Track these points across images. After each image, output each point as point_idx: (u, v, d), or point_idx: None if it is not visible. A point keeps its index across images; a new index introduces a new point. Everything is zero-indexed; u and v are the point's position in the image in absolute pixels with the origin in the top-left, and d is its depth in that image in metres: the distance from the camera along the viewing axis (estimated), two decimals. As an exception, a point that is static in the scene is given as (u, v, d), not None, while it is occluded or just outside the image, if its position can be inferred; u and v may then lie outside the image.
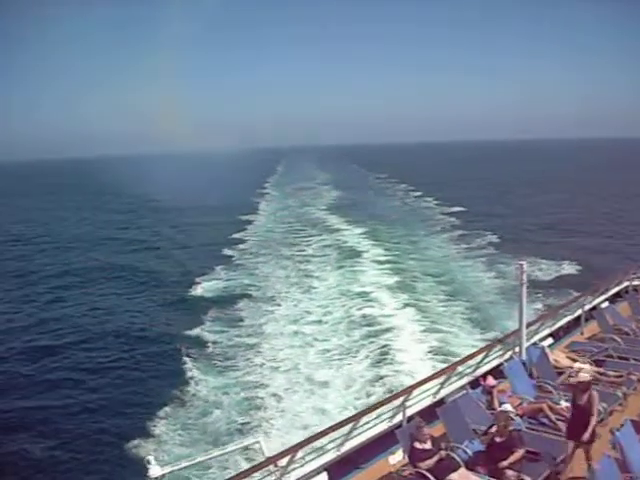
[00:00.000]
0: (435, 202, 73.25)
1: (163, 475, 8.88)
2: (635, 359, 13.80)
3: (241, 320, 28.96)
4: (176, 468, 9.81)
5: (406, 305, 29.41)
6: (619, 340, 14.99)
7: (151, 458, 8.84)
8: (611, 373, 12.93)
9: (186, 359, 24.43)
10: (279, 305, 30.92)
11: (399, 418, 11.04)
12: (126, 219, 75.60)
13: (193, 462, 10.28)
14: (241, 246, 49.62)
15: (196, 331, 27.81)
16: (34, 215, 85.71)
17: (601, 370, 13.12)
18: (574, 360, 13.66)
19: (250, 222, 63.56)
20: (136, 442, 18.42)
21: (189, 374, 22.92)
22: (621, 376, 12.71)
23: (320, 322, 28.02)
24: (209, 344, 25.98)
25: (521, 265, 12.83)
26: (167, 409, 20.54)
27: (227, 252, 46.82)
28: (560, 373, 12.98)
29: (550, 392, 11.94)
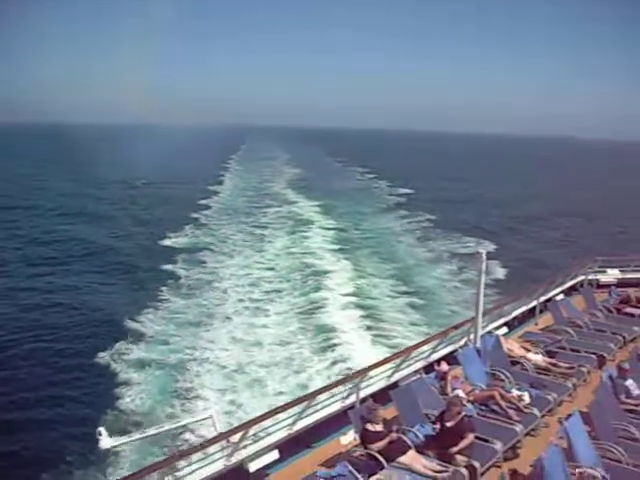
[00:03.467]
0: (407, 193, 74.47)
1: (113, 447, 8.76)
2: (587, 352, 14.02)
3: (204, 263, 36.10)
4: (127, 440, 9.67)
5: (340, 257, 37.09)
6: (572, 332, 15.23)
7: (102, 429, 8.70)
8: (562, 364, 13.11)
9: (158, 292, 29.95)
10: (232, 256, 38.06)
11: (352, 399, 11.03)
12: (95, 190, 73.44)
13: (144, 435, 10.15)
14: (206, 212, 55.96)
15: (167, 268, 34.91)
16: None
17: (553, 361, 13.31)
18: (527, 350, 13.87)
19: (215, 192, 69.85)
20: (86, 412, 18.23)
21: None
22: (572, 368, 12.89)
23: (267, 269, 34.73)
24: (179, 278, 32.60)
25: (481, 254, 12.86)
26: (120, 375, 20.57)
27: (194, 215, 53.29)
28: (513, 362, 13.15)
29: (502, 380, 12.06)
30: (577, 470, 8.46)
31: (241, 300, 28.70)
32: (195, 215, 53.31)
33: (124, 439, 9.44)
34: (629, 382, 11.74)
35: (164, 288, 30.33)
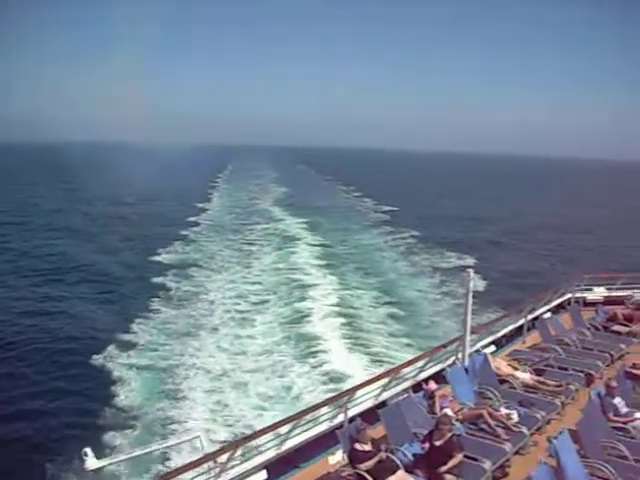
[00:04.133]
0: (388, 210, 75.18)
1: (100, 468, 8.66)
2: (574, 369, 14.04)
3: (192, 277, 37.02)
4: (114, 461, 9.59)
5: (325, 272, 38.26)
6: (560, 350, 15.26)
7: (88, 450, 8.60)
8: (550, 382, 13.10)
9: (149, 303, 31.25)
10: (220, 272, 38.93)
11: (340, 418, 10.98)
12: (87, 207, 74.04)
13: (131, 455, 10.07)
14: (195, 228, 57.26)
15: (157, 281, 35.87)
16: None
17: (541, 379, 13.29)
18: (515, 368, 13.84)
19: (204, 210, 71.47)
20: (72, 432, 18.04)
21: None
22: (560, 386, 12.90)
23: (253, 283, 35.81)
24: (169, 291, 33.75)
25: (468, 272, 12.88)
26: (108, 395, 20.55)
27: (183, 232, 54.20)
28: (501, 380, 13.14)
29: (490, 399, 12.05)
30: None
31: (228, 311, 30.02)
32: (184, 232, 54.34)
33: (111, 460, 9.35)
34: (617, 400, 11.75)
35: (154, 301, 31.45)
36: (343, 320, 28.19)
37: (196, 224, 59.91)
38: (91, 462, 8.54)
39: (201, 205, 74.87)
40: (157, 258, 43.46)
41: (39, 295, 33.92)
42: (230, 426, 18.54)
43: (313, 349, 24.59)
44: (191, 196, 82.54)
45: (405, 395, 11.84)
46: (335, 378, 21.51)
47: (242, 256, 44.16)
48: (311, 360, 23.50)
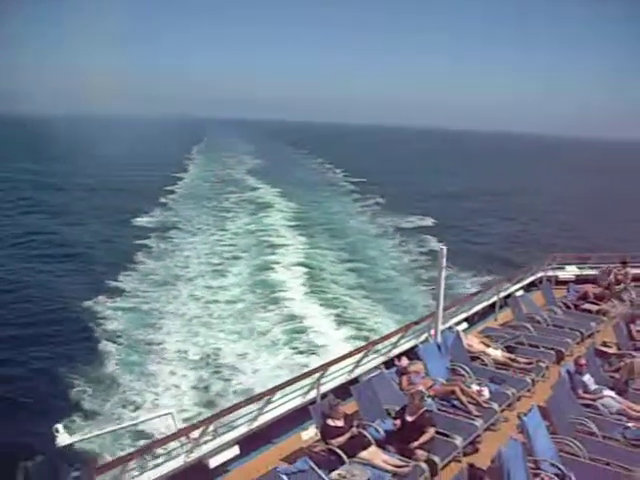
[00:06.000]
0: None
1: (71, 444, 8.55)
2: (545, 347, 14.20)
3: (171, 239, 40.33)
4: (85, 437, 9.48)
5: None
6: (531, 328, 15.41)
7: (59, 426, 8.47)
8: (521, 359, 13.27)
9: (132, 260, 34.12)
10: (196, 234, 42.32)
11: (313, 394, 10.98)
12: (65, 179, 73.96)
13: (103, 432, 9.99)
14: (172, 196, 60.25)
15: (138, 243, 38.47)
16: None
17: (512, 356, 13.45)
18: (487, 345, 13.95)
19: (180, 179, 74.38)
20: (43, 407, 17.83)
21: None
22: (531, 363, 13.06)
23: (228, 245, 38.72)
24: (149, 249, 37.19)
25: (441, 249, 12.86)
26: (80, 368, 20.31)
27: (162, 200, 56.96)
28: (473, 357, 13.25)
29: (462, 375, 12.14)
30: (536, 464, 8.57)
31: (203, 263, 33.79)
32: (162, 200, 57.01)
33: (82, 436, 9.26)
34: (586, 377, 11.91)
35: (135, 259, 34.33)
36: (308, 273, 31.61)
37: (172, 192, 62.35)
38: (62, 438, 8.40)
39: (177, 175, 77.06)
40: (139, 222, 46.31)
41: (29, 260, 35.71)
42: (200, 347, 21.83)
43: (277, 296, 27.70)
44: (168, 166, 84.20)
45: (377, 371, 11.86)
46: (296, 319, 24.76)
47: (217, 220, 47.25)
48: (275, 306, 26.48)
